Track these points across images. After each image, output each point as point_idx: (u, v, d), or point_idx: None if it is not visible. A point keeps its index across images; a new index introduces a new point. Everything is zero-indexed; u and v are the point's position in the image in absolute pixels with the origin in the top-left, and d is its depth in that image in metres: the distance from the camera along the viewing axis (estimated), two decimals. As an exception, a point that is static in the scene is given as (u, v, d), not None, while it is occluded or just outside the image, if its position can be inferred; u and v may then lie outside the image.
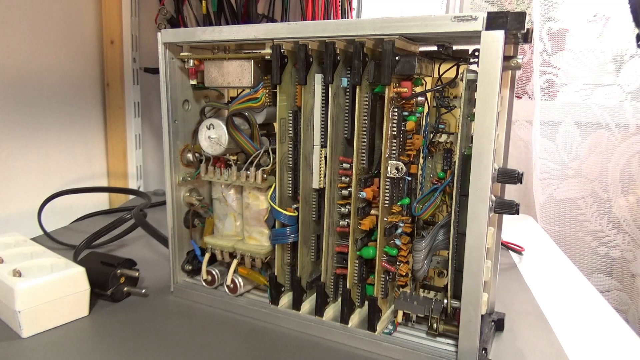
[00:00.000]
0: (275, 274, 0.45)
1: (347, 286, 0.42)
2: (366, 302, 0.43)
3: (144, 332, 0.43)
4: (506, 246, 0.69)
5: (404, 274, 0.43)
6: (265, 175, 0.44)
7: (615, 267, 0.92)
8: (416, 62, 0.38)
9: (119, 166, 0.96)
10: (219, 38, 0.43)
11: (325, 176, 0.42)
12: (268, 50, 0.41)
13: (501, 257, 0.47)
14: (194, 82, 0.48)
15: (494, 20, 0.32)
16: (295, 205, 0.44)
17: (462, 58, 0.41)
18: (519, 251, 0.69)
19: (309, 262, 0.46)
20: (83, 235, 0.61)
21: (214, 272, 0.49)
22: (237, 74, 0.44)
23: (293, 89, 0.43)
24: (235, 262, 0.48)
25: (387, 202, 0.40)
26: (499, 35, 0.32)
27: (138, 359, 0.39)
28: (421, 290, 0.47)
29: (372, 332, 0.41)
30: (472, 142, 0.34)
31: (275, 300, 0.46)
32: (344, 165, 0.41)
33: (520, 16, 0.32)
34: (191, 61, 0.46)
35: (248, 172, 0.45)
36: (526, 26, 0.32)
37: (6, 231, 0.54)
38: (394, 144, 0.40)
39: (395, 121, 0.39)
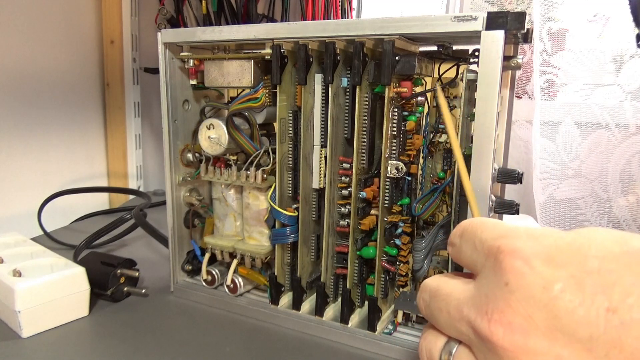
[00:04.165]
0: (275, 274, 0.45)
1: (347, 286, 0.42)
2: (366, 302, 0.43)
3: (144, 332, 0.43)
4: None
5: (404, 274, 0.43)
6: (265, 175, 0.44)
7: (615, 267, 0.92)
8: (416, 62, 0.38)
9: (119, 166, 0.96)
10: (219, 38, 0.43)
11: (325, 176, 0.42)
12: (268, 50, 0.41)
13: (501, 257, 0.47)
14: (194, 82, 0.48)
15: (494, 20, 0.32)
16: (295, 205, 0.44)
17: (462, 58, 0.41)
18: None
19: (309, 262, 0.46)
20: (83, 235, 0.61)
21: (214, 272, 0.49)
22: (237, 74, 0.44)
23: (293, 89, 0.43)
24: (235, 262, 0.48)
25: (387, 202, 0.40)
26: (499, 35, 0.32)
27: (138, 359, 0.39)
28: (421, 290, 0.47)
29: (372, 332, 0.41)
30: (472, 142, 0.34)
31: (275, 300, 0.46)
32: (344, 165, 0.41)
33: (520, 16, 0.32)
34: (191, 61, 0.46)
35: (248, 172, 0.45)
36: (526, 26, 0.32)
37: (6, 231, 0.54)
38: (394, 144, 0.40)
39: (395, 121, 0.39)
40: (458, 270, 0.38)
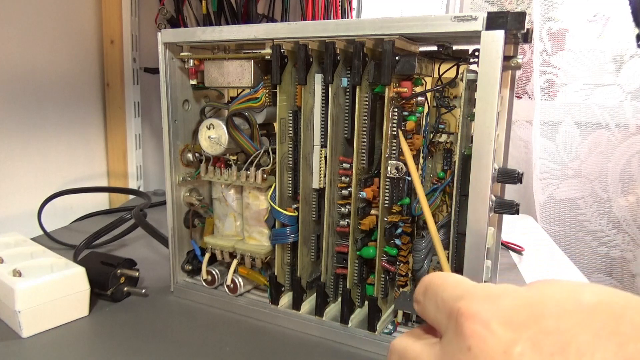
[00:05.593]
0: (275, 274, 0.45)
1: (347, 286, 0.42)
2: (366, 302, 0.43)
3: (144, 332, 0.43)
4: (506, 246, 0.69)
5: (404, 274, 0.43)
6: (265, 175, 0.44)
7: (615, 267, 0.92)
8: (416, 62, 0.38)
9: (119, 166, 0.96)
10: (219, 38, 0.43)
11: (325, 176, 0.42)
12: (268, 50, 0.41)
13: (501, 257, 0.47)
14: (194, 82, 0.48)
15: (494, 20, 0.32)
16: (295, 205, 0.44)
17: (462, 58, 0.41)
18: (519, 251, 0.69)
19: (309, 262, 0.46)
20: (83, 235, 0.61)
21: (214, 272, 0.49)
22: (237, 74, 0.44)
23: (293, 89, 0.43)
24: (235, 262, 0.48)
25: (387, 202, 0.40)
26: (499, 35, 0.32)
27: (138, 359, 0.39)
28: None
29: (372, 332, 0.41)
30: (472, 142, 0.34)
31: (275, 300, 0.46)
32: (344, 165, 0.41)
33: (520, 16, 0.32)
34: (191, 61, 0.46)
35: (248, 172, 0.45)
36: (526, 26, 0.32)
37: (6, 231, 0.54)
38: (394, 144, 0.40)
39: (395, 121, 0.39)
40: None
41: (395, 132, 0.39)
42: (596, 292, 0.19)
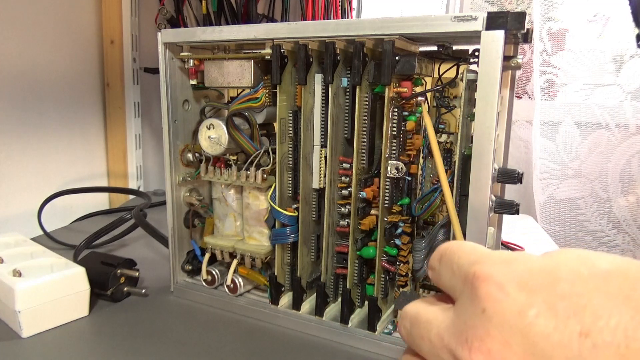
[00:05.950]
0: (275, 274, 0.45)
1: (347, 286, 0.42)
2: (366, 302, 0.43)
3: (144, 332, 0.43)
4: (506, 246, 0.69)
5: (403, 274, 0.43)
6: (265, 175, 0.44)
7: (615, 267, 0.92)
8: (416, 62, 0.38)
9: (119, 166, 0.96)
10: (219, 38, 0.43)
11: (325, 176, 0.42)
12: (268, 50, 0.41)
13: (501, 257, 0.47)
14: (194, 82, 0.48)
15: (494, 20, 0.32)
16: (295, 205, 0.44)
17: (462, 58, 0.41)
18: (519, 251, 0.69)
19: (309, 262, 0.46)
20: (83, 235, 0.61)
21: (214, 272, 0.49)
22: (237, 74, 0.44)
23: (293, 89, 0.43)
24: (235, 262, 0.48)
25: (387, 202, 0.40)
26: (499, 35, 0.32)
27: (138, 359, 0.39)
28: (421, 290, 0.47)
29: (372, 332, 0.41)
30: (472, 142, 0.34)
31: (275, 300, 0.46)
32: (344, 165, 0.41)
33: (520, 16, 0.32)
34: (191, 61, 0.46)
35: (248, 172, 0.45)
36: (526, 26, 0.32)
37: (6, 231, 0.54)
38: (394, 144, 0.40)
39: (395, 121, 0.39)
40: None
41: (395, 132, 0.39)
42: (611, 259, 0.19)
